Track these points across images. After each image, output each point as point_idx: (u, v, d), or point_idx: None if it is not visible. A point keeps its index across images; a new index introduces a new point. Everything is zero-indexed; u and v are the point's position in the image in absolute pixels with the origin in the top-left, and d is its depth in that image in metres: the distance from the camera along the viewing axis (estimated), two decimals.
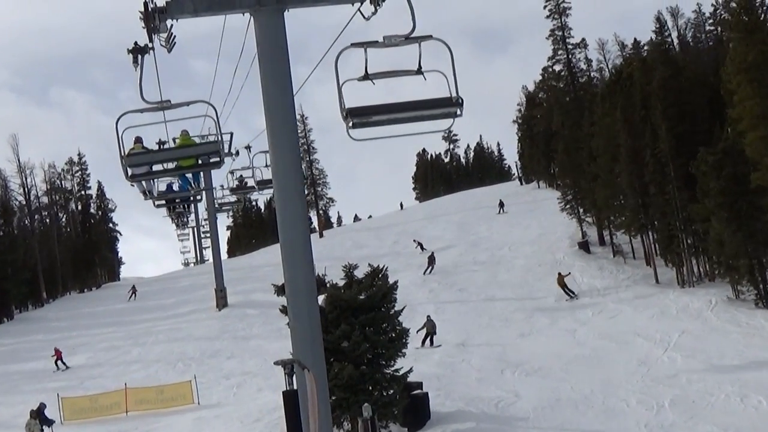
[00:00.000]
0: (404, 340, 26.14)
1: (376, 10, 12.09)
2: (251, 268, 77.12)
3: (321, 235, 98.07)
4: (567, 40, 65.08)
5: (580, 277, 49.97)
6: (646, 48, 63.49)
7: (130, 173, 12.84)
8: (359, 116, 10.37)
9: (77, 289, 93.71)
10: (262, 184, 23.74)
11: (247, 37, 13.78)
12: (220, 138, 13.10)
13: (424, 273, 56.88)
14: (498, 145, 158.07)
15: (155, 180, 18.06)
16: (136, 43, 12.64)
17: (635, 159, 47.36)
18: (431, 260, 58.04)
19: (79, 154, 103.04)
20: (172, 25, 12.80)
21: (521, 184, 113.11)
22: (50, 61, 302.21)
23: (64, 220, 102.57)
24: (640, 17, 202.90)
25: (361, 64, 10.11)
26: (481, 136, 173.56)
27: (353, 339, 24.71)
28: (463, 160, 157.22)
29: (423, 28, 10.31)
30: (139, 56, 12.58)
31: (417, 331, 35.64)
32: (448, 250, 65.33)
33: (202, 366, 41.94)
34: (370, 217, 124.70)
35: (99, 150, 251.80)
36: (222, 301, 57.38)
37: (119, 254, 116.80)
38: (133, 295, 71.12)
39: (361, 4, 12.26)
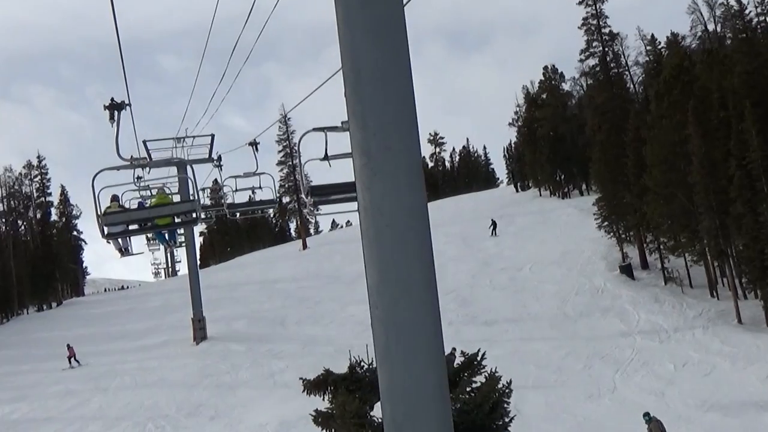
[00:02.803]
0: None
1: None
2: (230, 287, 68.54)
3: (305, 247, 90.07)
4: (602, 30, 56.03)
5: (634, 311, 41.52)
6: (688, 39, 55.25)
7: (106, 232, 12.99)
8: (320, 195, 12.20)
9: (35, 306, 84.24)
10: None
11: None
12: (197, 197, 12.97)
13: None
14: (484, 148, 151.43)
15: (130, 237, 16.69)
16: (112, 99, 12.49)
17: (712, 171, 38.75)
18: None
19: (38, 157, 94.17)
20: None
21: (517, 191, 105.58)
22: (15, 56, 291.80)
23: (22, 228, 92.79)
24: (650, 8, 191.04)
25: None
26: (468, 139, 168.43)
27: None
28: (448, 165, 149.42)
29: None
30: (116, 112, 12.35)
31: None
32: (457, 266, 56.91)
33: (178, 430, 33.00)
34: (349, 223, 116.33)
35: (65, 149, 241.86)
36: (200, 333, 48.34)
37: (84, 265, 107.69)
38: (73, 359, 47.41)
39: None
